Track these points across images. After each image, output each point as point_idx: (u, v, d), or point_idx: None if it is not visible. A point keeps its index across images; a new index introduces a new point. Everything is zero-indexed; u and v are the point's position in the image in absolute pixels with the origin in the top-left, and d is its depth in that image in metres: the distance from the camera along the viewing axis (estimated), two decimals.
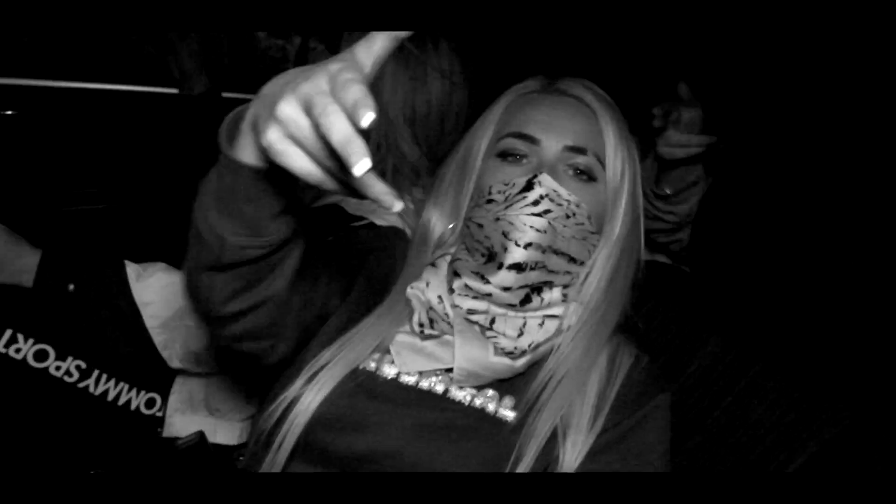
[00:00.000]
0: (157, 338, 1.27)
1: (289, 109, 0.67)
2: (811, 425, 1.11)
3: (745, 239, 1.18)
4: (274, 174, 0.78)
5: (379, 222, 1.26)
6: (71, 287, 1.24)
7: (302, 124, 0.67)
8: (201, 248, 0.84)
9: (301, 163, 0.69)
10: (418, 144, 1.33)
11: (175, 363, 1.32)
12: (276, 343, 0.98)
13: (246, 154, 0.77)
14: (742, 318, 1.20)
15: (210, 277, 0.87)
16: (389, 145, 1.33)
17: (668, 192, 1.35)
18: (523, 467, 0.89)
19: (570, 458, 0.91)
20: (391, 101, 1.32)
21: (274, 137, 0.69)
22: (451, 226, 1.08)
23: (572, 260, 1.01)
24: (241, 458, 1.13)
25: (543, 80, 1.09)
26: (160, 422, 1.47)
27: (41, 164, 1.90)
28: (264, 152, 0.72)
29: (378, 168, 1.34)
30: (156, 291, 1.27)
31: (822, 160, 1.19)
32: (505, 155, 1.03)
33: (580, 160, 1.01)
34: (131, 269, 1.27)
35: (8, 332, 1.35)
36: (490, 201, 1.02)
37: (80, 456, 1.39)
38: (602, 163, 1.02)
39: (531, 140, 1.02)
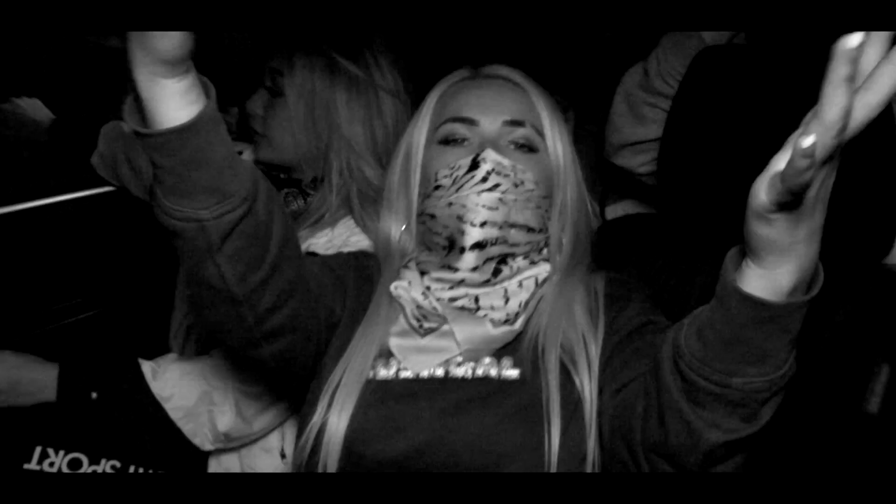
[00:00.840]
0: (185, 427, 1.29)
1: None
2: None
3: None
4: (196, 129, 0.78)
5: (346, 251, 1.27)
6: (94, 395, 1.27)
7: None
8: (187, 246, 0.83)
9: None
10: (381, 166, 1.37)
11: (208, 446, 1.33)
12: (309, 336, 0.98)
13: (168, 114, 0.77)
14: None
15: (216, 268, 0.84)
16: (352, 171, 1.37)
17: None
18: (555, 406, 0.93)
19: (587, 384, 0.95)
20: (350, 132, 1.36)
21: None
22: (403, 227, 1.10)
23: (531, 230, 1.04)
24: None
25: (470, 69, 1.13)
26: None
27: (20, 286, 1.92)
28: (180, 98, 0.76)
29: (342, 193, 1.37)
30: (174, 384, 1.29)
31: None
32: (447, 141, 1.06)
33: (519, 133, 1.05)
34: (146, 367, 1.29)
35: (38, 450, 1.36)
36: (438, 187, 1.04)
37: None
38: (541, 133, 1.07)
39: (470, 122, 1.06)
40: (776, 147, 0.67)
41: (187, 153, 0.78)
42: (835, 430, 1.03)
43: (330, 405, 0.97)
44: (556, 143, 1.08)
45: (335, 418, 0.96)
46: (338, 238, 1.33)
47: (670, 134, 1.37)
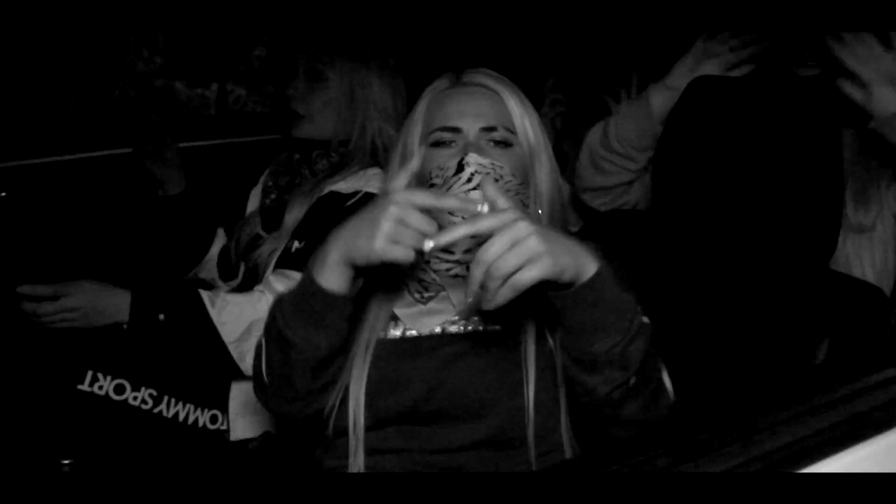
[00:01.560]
0: (235, 351, 1.50)
1: (388, 226, 1.00)
2: None
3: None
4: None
5: (369, 189, 1.62)
6: (161, 316, 1.46)
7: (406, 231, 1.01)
8: (292, 355, 1.11)
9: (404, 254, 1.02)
10: (396, 126, 1.73)
11: (250, 371, 1.54)
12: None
13: (339, 286, 1.06)
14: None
15: (302, 374, 1.13)
16: (382, 134, 1.76)
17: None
18: (530, 355, 1.17)
19: (557, 339, 1.14)
20: (384, 105, 1.77)
21: (382, 246, 1.00)
22: None
23: None
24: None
25: (452, 76, 1.35)
26: (224, 435, 1.69)
27: (38, 243, 2.00)
28: (352, 280, 1.06)
29: (372, 150, 1.76)
30: (228, 312, 1.51)
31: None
32: (437, 144, 1.28)
33: (495, 134, 1.28)
34: (205, 296, 1.51)
35: (89, 374, 1.55)
36: (432, 185, 1.26)
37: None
38: (513, 131, 1.29)
39: (454, 129, 1.28)
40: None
41: (347, 308, 1.10)
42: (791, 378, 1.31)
43: (352, 366, 1.21)
44: (527, 133, 1.30)
45: (357, 372, 1.20)
46: (369, 182, 1.67)
47: (662, 158, 1.59)
